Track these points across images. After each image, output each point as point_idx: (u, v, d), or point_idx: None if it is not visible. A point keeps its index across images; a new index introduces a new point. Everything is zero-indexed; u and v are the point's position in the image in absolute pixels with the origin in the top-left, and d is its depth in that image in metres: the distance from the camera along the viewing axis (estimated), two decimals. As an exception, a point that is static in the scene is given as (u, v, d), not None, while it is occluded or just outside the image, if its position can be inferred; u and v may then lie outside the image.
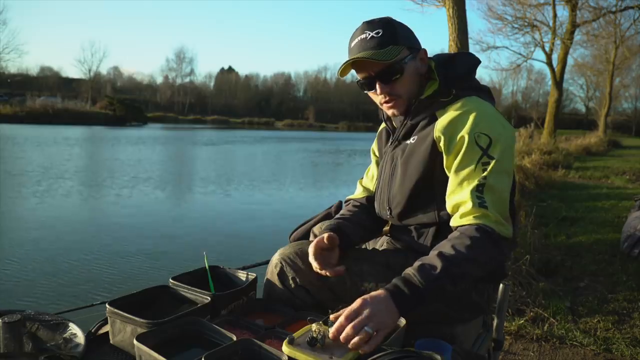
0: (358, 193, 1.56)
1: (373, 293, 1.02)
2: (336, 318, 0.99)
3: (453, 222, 1.18)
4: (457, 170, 1.19)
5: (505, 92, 62.45)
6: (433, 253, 1.10)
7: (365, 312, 0.97)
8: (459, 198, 1.16)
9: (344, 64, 1.27)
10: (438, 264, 1.06)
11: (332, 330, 0.97)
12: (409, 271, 1.07)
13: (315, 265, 1.25)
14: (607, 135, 24.66)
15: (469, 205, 1.13)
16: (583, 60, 27.73)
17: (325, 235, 1.26)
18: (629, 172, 10.95)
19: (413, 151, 1.29)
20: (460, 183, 1.17)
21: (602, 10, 16.78)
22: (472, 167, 1.17)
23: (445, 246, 1.10)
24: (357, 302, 0.99)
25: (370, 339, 0.95)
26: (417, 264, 1.08)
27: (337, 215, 1.49)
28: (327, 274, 1.25)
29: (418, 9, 7.36)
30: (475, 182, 1.15)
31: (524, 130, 15.78)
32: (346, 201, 1.59)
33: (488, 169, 1.16)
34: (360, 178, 1.61)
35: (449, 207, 1.20)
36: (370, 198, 1.51)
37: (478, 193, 1.14)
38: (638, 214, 4.22)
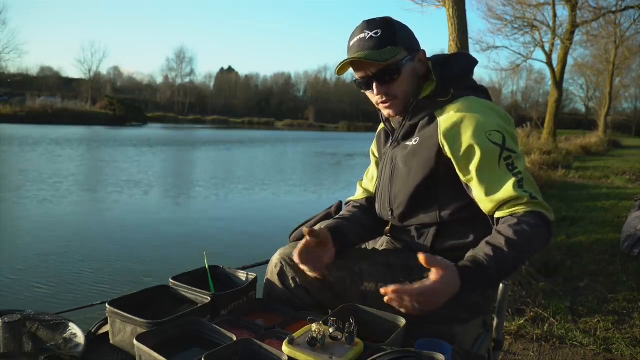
0: (358, 194, 1.56)
1: (450, 276, 1.01)
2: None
3: (502, 213, 1.16)
4: (483, 172, 1.17)
5: (505, 92, 62.52)
6: (500, 240, 1.09)
7: (435, 299, 1.01)
8: (503, 195, 1.14)
9: (341, 63, 1.27)
10: (507, 254, 1.07)
11: (391, 290, 1.00)
12: (482, 258, 1.07)
13: (296, 260, 1.23)
14: (607, 135, 24.66)
15: (522, 199, 1.13)
16: (583, 60, 27.70)
17: (305, 230, 1.23)
18: (629, 172, 10.96)
19: (415, 152, 1.29)
20: (495, 183, 1.16)
21: (602, 10, 16.76)
22: (497, 165, 1.16)
23: (509, 233, 1.10)
24: (431, 288, 1.00)
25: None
26: (487, 251, 1.08)
27: (337, 216, 1.49)
28: (310, 272, 1.23)
29: (418, 9, 7.37)
30: (513, 178, 1.15)
31: (521, 130, 15.78)
32: (346, 203, 1.59)
33: (516, 164, 1.17)
34: (360, 180, 1.61)
35: (489, 205, 1.17)
36: (370, 199, 1.51)
37: (520, 188, 1.14)
38: (638, 214, 4.22)
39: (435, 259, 1.02)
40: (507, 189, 1.14)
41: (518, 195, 1.13)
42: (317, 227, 1.28)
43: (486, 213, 1.20)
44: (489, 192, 1.16)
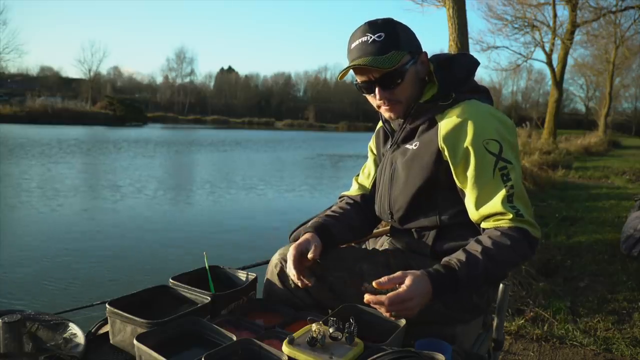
0: (353, 190, 1.55)
1: (419, 280, 1.06)
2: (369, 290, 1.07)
3: (487, 225, 1.19)
4: (477, 180, 1.19)
5: (505, 92, 62.29)
6: (476, 248, 1.12)
7: (409, 304, 1.04)
8: (490, 209, 1.17)
9: (345, 69, 1.26)
10: (481, 262, 1.10)
11: (369, 298, 1.06)
12: (454, 263, 1.10)
13: (292, 273, 1.24)
14: (607, 135, 24.63)
15: (507, 215, 1.15)
16: (583, 60, 27.64)
17: (313, 247, 1.25)
18: (629, 172, 10.95)
19: (415, 156, 1.28)
20: (486, 193, 1.18)
21: (602, 10, 16.75)
22: (491, 174, 1.18)
23: (487, 243, 1.13)
24: (404, 291, 1.04)
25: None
26: (461, 257, 1.11)
27: (328, 212, 1.46)
28: (300, 284, 1.25)
29: (418, 9, 7.38)
30: (504, 191, 1.16)
31: (521, 130, 15.78)
32: (340, 197, 1.57)
33: (510, 176, 1.18)
34: (356, 175, 1.59)
35: (476, 215, 1.20)
36: (364, 196, 1.51)
37: (510, 203, 1.16)
38: (638, 214, 4.21)
39: (392, 277, 1.06)
40: (495, 203, 1.16)
41: (505, 210, 1.15)
42: (305, 233, 1.30)
43: (473, 222, 1.23)
44: (477, 203, 1.19)
